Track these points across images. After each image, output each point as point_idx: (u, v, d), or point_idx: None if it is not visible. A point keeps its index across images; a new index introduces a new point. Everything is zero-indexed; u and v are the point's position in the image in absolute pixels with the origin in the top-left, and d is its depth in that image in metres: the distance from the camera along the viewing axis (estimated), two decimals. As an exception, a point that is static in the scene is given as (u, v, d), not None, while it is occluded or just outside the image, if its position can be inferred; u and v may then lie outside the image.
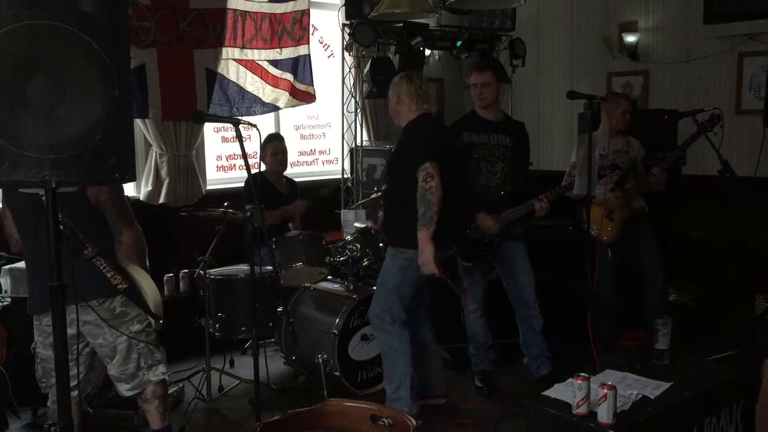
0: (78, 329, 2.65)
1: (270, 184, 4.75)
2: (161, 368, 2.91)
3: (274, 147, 4.76)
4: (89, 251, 2.56)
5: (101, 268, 2.60)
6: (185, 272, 4.86)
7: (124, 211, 2.84)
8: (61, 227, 2.49)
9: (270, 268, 3.57)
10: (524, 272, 4.09)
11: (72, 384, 2.72)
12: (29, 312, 2.83)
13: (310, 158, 6.31)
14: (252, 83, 5.21)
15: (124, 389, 2.87)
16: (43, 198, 2.49)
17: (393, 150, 3.97)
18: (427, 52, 6.05)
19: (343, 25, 5.65)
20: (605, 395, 2.41)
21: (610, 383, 2.45)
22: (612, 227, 4.25)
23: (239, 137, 2.94)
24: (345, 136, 6.06)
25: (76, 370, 2.81)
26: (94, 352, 2.90)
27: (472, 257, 4.02)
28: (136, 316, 2.83)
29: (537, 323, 4.11)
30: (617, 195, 4.24)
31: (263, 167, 4.76)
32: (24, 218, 2.78)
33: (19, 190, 1.88)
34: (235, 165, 5.71)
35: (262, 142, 4.79)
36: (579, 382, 2.49)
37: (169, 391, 3.87)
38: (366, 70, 5.73)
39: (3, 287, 3.87)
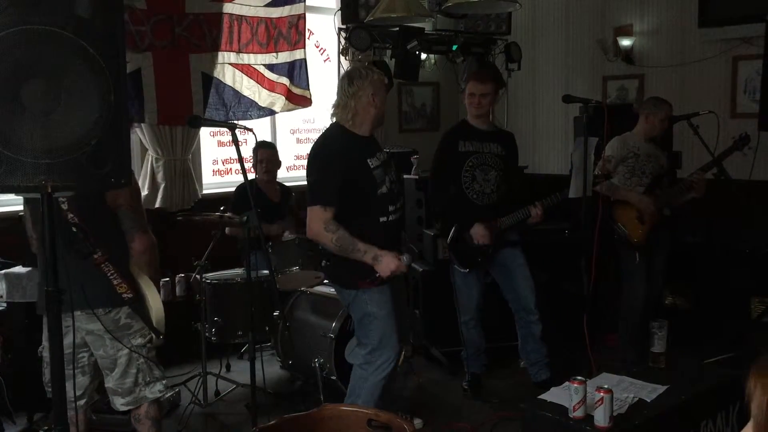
0: (74, 338, 2.63)
1: (259, 191, 4.71)
2: (159, 386, 2.88)
3: (260, 154, 4.74)
4: (99, 256, 2.54)
5: (109, 274, 2.56)
6: (181, 277, 4.85)
7: (139, 217, 2.82)
8: (73, 228, 2.50)
9: (266, 272, 3.57)
10: (524, 279, 4.08)
11: (79, 393, 2.74)
12: (38, 312, 2.81)
13: (306, 162, 6.30)
14: (248, 87, 5.21)
15: (119, 403, 2.84)
16: (60, 201, 2.50)
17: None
18: (423, 56, 6.05)
19: (339, 29, 5.66)
20: (602, 399, 2.41)
21: (606, 386, 2.45)
22: (642, 230, 4.24)
23: (235, 141, 2.94)
24: (341, 140, 6.04)
25: (81, 378, 2.80)
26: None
27: (469, 264, 4.03)
28: (140, 329, 2.80)
29: (536, 329, 4.10)
30: (653, 198, 4.24)
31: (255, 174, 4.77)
32: (40, 219, 2.77)
33: (15, 194, 1.87)
34: (231, 169, 5.70)
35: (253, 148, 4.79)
36: (575, 385, 2.49)
37: (166, 396, 3.86)
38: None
39: (-2, 292, 3.86)
